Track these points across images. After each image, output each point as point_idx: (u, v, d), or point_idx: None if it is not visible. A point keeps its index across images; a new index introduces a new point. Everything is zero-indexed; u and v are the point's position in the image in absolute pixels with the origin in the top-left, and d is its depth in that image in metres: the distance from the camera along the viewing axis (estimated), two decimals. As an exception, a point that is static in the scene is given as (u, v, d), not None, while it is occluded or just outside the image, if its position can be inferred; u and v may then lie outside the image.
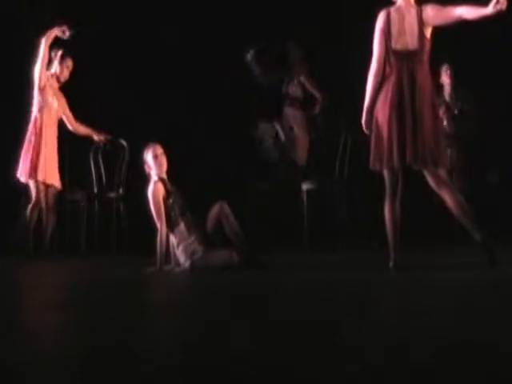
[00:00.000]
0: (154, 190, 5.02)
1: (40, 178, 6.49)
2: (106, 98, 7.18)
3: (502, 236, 5.45)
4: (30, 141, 6.54)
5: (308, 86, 7.14)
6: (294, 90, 7.18)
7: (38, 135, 6.54)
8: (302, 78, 7.15)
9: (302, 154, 7.16)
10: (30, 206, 6.50)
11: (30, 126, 6.59)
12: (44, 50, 6.55)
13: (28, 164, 6.50)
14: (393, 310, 3.19)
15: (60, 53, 6.62)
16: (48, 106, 6.61)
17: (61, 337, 2.63)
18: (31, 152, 6.51)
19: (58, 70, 6.67)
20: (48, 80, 6.65)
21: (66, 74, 6.70)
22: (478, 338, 2.37)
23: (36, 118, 6.59)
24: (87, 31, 6.74)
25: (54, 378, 1.98)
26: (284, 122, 7.20)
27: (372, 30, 4.66)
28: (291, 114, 7.16)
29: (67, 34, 6.49)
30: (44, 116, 6.59)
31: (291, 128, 7.14)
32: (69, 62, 6.68)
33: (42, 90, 6.60)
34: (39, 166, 6.50)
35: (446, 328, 2.56)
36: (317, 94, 7.09)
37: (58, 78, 6.70)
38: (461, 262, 4.90)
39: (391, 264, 4.55)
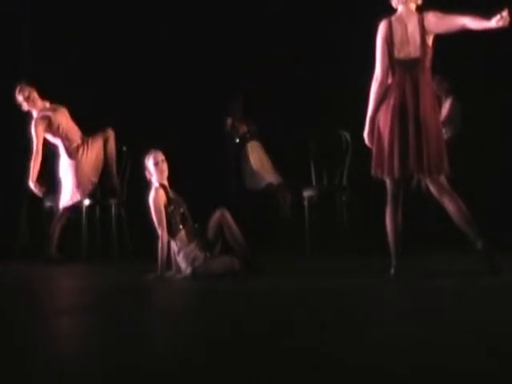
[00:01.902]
0: (155, 197, 5.02)
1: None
2: (108, 104, 7.18)
3: (503, 242, 5.45)
4: (73, 162, 6.59)
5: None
6: (240, 126, 7.46)
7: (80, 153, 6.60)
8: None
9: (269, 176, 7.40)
10: (59, 215, 6.54)
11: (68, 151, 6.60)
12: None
13: (80, 187, 6.61)
14: (392, 317, 3.19)
15: (18, 93, 6.47)
16: (65, 127, 6.60)
17: (59, 344, 2.63)
18: (77, 174, 6.60)
19: (30, 107, 6.50)
20: (45, 123, 6.49)
21: (33, 100, 6.47)
22: (477, 344, 2.37)
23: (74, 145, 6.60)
24: (88, 34, 6.74)
25: (54, 380, 1.99)
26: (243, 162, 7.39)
27: (373, 37, 4.63)
28: (248, 147, 7.38)
29: None
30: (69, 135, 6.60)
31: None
32: (25, 93, 6.46)
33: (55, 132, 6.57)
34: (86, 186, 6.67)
35: (446, 334, 2.56)
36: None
37: (37, 109, 6.51)
38: (462, 269, 4.89)
39: (392, 271, 4.54)
